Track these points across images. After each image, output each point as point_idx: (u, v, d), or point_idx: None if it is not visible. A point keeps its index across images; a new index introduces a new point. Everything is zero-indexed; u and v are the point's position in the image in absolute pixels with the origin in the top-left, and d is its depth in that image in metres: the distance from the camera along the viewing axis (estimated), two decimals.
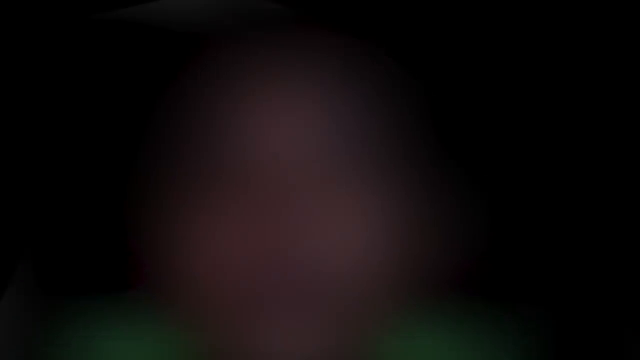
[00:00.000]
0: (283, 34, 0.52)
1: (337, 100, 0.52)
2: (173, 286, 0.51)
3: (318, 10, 0.53)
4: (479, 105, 0.55)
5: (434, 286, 0.54)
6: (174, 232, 0.51)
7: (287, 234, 0.50)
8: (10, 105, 0.55)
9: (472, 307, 0.54)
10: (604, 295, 0.56)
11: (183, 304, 0.51)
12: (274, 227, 0.50)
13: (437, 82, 0.54)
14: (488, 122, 0.55)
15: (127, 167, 0.54)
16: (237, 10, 0.53)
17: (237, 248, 0.50)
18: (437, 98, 0.54)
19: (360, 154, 0.52)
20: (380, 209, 0.52)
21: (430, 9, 0.54)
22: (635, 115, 0.55)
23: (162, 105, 0.53)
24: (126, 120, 0.54)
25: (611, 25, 0.54)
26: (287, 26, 0.53)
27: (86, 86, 0.55)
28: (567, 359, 0.55)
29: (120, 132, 0.54)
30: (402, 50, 0.54)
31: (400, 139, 0.53)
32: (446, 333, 0.54)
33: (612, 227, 0.56)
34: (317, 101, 0.52)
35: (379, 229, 0.51)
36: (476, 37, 0.54)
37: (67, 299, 0.55)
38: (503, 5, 0.54)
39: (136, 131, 0.54)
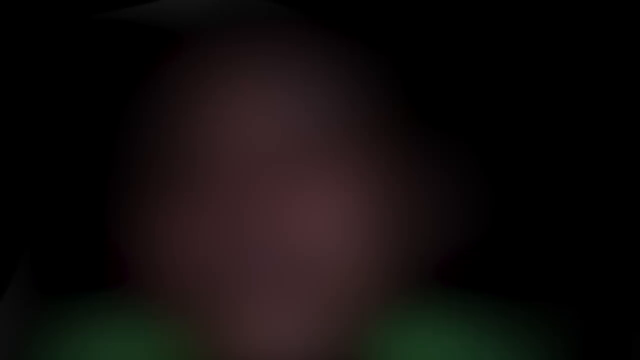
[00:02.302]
0: (265, 27, 0.52)
1: (315, 91, 0.52)
2: (157, 282, 0.51)
3: (310, 8, 0.53)
4: (462, 90, 0.55)
5: (426, 278, 0.54)
6: (154, 228, 0.51)
7: (267, 226, 0.50)
8: (10, 106, 0.55)
9: (467, 302, 0.54)
10: (616, 293, 0.56)
11: (169, 300, 0.52)
12: (254, 220, 0.50)
13: (419, 69, 0.54)
14: (475, 106, 0.55)
15: (110, 164, 0.54)
16: (236, 10, 0.53)
17: (216, 241, 0.50)
18: (418, 86, 0.54)
19: (339, 144, 0.52)
20: (362, 198, 0.52)
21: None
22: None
23: (141, 102, 0.53)
24: (116, 117, 0.54)
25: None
26: (274, 21, 0.53)
27: (83, 85, 0.55)
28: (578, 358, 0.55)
29: (114, 128, 0.54)
30: (382, 39, 0.54)
31: (381, 128, 0.53)
32: (438, 329, 0.54)
33: (619, 220, 0.56)
34: (295, 93, 0.52)
35: (361, 218, 0.51)
36: (464, 22, 0.54)
37: (66, 298, 0.55)
38: None
39: (124, 127, 0.54)
